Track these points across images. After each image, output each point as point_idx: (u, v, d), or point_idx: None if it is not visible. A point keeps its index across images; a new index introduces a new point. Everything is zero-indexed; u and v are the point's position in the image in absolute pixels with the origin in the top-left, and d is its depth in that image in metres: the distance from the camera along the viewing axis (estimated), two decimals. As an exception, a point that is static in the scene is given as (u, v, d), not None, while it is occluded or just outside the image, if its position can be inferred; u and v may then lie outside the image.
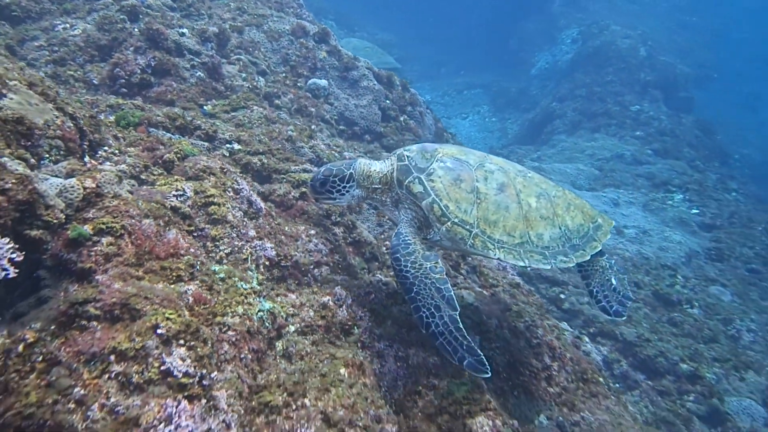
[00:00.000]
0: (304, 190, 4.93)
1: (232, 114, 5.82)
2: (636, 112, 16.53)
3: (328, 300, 3.76)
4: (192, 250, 3.41)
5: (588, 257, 3.76)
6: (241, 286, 3.39)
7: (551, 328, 4.78)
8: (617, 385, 6.48)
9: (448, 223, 3.48)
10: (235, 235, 3.78)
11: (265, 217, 4.22)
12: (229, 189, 4.02)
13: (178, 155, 4.09)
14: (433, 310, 3.25)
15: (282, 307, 3.53)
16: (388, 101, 7.89)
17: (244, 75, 6.55)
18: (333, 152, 6.14)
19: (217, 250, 3.62)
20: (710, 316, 8.15)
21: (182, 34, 6.13)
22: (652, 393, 6.55)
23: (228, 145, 4.95)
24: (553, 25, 22.62)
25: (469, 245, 3.46)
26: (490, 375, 3.07)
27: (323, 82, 7.25)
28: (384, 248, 5.43)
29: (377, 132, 7.59)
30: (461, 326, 3.17)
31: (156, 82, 5.63)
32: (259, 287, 3.57)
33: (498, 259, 3.45)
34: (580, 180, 12.71)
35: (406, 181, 3.60)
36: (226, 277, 3.38)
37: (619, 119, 16.22)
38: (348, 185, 3.85)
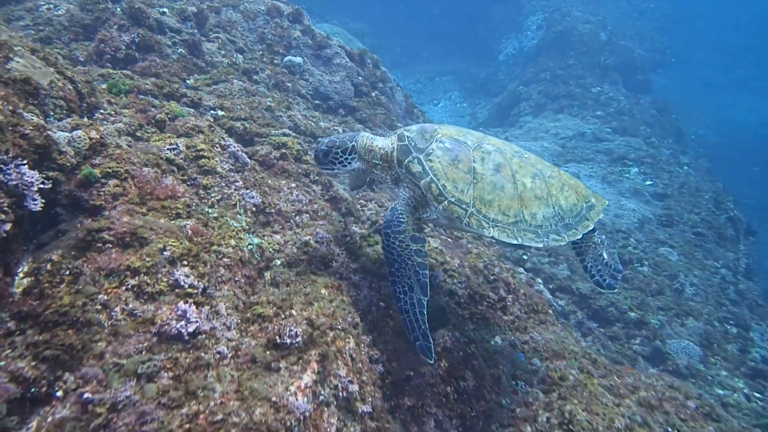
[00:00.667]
0: (284, 151, 5.40)
1: (214, 87, 6.23)
2: (597, 93, 17.36)
3: (310, 239, 4.26)
4: (187, 194, 3.88)
5: (580, 236, 3.88)
6: (233, 224, 3.87)
7: (508, 269, 5.38)
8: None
9: (445, 202, 3.59)
10: (224, 184, 4.25)
11: (250, 170, 4.69)
12: (217, 145, 4.47)
13: (169, 116, 4.52)
14: (406, 288, 3.51)
15: (269, 244, 4.02)
16: (360, 78, 8.37)
17: (223, 52, 6.95)
18: (309, 122, 6.61)
19: (209, 197, 4.09)
20: (658, 273, 8.93)
21: (163, 13, 6.50)
22: (604, 338, 7.25)
23: (212, 112, 5.38)
24: (519, 12, 23.33)
25: (464, 224, 3.57)
26: (432, 362, 3.34)
27: (298, 59, 7.69)
28: (359, 205, 5.95)
29: (350, 106, 8.07)
30: (425, 311, 3.44)
31: (140, 57, 5.99)
32: (247, 227, 4.06)
33: (492, 237, 3.57)
34: (544, 156, 13.37)
35: (406, 160, 3.70)
36: (219, 216, 3.86)
37: (581, 100, 17.02)
38: (350, 157, 3.94)
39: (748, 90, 35.35)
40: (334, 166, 3.98)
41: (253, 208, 4.33)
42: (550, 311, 5.11)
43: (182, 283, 3.12)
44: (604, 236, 4.48)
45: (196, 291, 3.15)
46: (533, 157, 4.14)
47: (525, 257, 8.46)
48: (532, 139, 15.11)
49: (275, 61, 7.58)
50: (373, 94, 8.53)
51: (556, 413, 3.42)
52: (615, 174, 12.83)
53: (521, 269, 6.46)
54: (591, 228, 3.95)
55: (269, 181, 4.77)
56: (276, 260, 3.97)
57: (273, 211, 4.47)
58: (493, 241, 3.84)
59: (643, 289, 8.37)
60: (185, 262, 3.25)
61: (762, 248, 15.68)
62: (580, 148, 14.19)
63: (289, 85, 7.36)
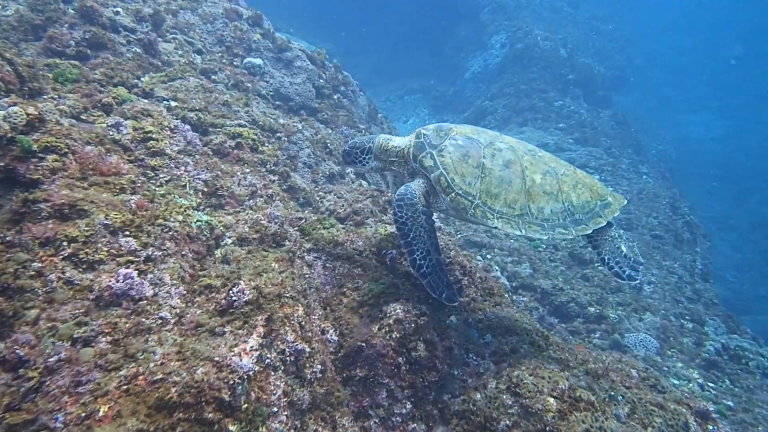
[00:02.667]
0: (240, 141, 5.38)
1: (169, 83, 6.18)
2: (559, 106, 17.86)
3: (262, 218, 4.22)
4: (133, 173, 3.81)
5: (590, 231, 4.01)
6: (181, 201, 3.81)
7: (464, 255, 5.40)
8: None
9: (453, 194, 3.85)
10: (173, 165, 4.20)
11: (202, 154, 4.65)
12: (167, 128, 4.42)
13: (116, 100, 4.47)
14: (424, 253, 3.81)
15: (219, 222, 3.96)
16: (321, 80, 8.44)
17: (180, 52, 6.93)
18: (268, 118, 6.61)
19: (158, 177, 4.03)
20: (617, 270, 9.09)
21: (116, 13, 6.46)
22: (565, 333, 7.32)
23: (165, 102, 5.33)
24: (483, 32, 23.96)
25: (470, 214, 3.83)
26: (458, 302, 3.85)
27: (258, 61, 7.72)
28: (317, 196, 5.93)
29: (312, 108, 8.10)
30: (444, 268, 3.85)
31: (92, 54, 5.92)
32: (196, 206, 4.00)
33: (496, 227, 3.81)
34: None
35: (420, 155, 4.00)
36: (166, 194, 3.81)
37: (545, 113, 17.47)
38: (367, 156, 4.33)
39: (706, 109, 36.88)
40: (356, 165, 4.40)
41: (205, 189, 4.28)
42: (506, 295, 5.14)
43: (123, 251, 3.05)
44: (622, 231, 4.54)
45: (138, 259, 3.08)
46: (548, 156, 4.30)
47: (489, 256, 8.54)
48: (496, 151, 15.38)
49: (235, 63, 7.60)
50: (335, 97, 8.59)
51: (504, 380, 3.42)
52: (576, 181, 13.10)
53: (479, 257, 6.50)
54: (602, 224, 4.06)
55: (223, 167, 4.73)
56: (227, 238, 3.91)
57: (225, 193, 4.43)
58: (498, 231, 4.01)
59: (602, 286, 8.51)
60: (127, 233, 3.18)
61: (719, 259, 16.20)
62: (542, 157, 14.48)
63: (249, 85, 7.36)
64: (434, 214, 4.25)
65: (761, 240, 22.51)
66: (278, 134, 6.40)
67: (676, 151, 25.96)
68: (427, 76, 27.01)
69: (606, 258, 4.21)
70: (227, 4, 8.07)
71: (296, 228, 4.41)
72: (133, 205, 3.43)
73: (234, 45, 7.74)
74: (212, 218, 3.91)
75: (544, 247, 9.26)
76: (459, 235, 8.95)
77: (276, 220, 4.23)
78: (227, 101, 6.16)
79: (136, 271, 2.97)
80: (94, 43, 6.05)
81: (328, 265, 4.18)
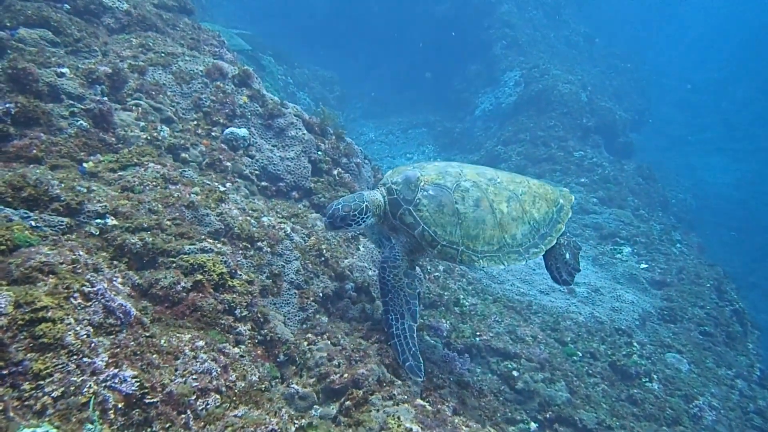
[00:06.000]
0: (200, 277, 3.85)
1: (120, 173, 4.68)
2: (579, 157, 16.40)
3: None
4: (-8, 405, 2.28)
5: (555, 241, 4.44)
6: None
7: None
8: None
9: (438, 247, 4.11)
10: (73, 366, 2.64)
11: (131, 328, 3.10)
12: (76, 294, 2.89)
13: (4, 246, 2.95)
14: (398, 316, 4.05)
15: (132, 484, 2.42)
16: (319, 152, 6.96)
17: (142, 123, 5.45)
18: (248, 218, 5.11)
19: (39, 395, 2.48)
20: (671, 392, 7.51)
21: (61, 75, 5.00)
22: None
23: (99, 221, 3.82)
24: (495, 67, 22.64)
25: (458, 261, 4.10)
26: (422, 379, 4.03)
27: (243, 131, 6.25)
28: (306, 342, 4.41)
29: (306, 188, 6.62)
30: (415, 336, 4.03)
31: (17, 133, 4.43)
32: (96, 453, 2.46)
33: (482, 268, 3.81)
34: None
35: (398, 213, 4.23)
36: (38, 448, 2.26)
37: (564, 165, 16.01)
38: (366, 216, 4.34)
39: (719, 152, 35.59)
40: (350, 227, 4.36)
41: (122, 403, 2.72)
42: None
43: None
44: (573, 238, 5.00)
45: None
46: (505, 177, 4.56)
47: (515, 373, 6.98)
48: (512, 207, 13.91)
49: (213, 133, 6.12)
50: (335, 172, 7.11)
51: None
52: (607, 255, 11.59)
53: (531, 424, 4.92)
54: (563, 230, 4.53)
55: (162, 342, 3.19)
56: None
57: (157, 399, 2.87)
58: (485, 269, 4.06)
59: (657, 416, 6.90)
60: None
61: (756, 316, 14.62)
62: (566, 220, 13.03)
63: (229, 164, 5.88)
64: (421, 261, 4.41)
65: (788, 300, 20.95)
66: (259, 244, 4.88)
67: (696, 199, 24.46)
68: (434, 109, 25.71)
69: (549, 263, 4.70)
70: (209, 60, 6.62)
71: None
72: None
73: (214, 110, 6.27)
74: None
75: (580, 355, 7.70)
76: (478, 339, 7.44)
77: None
78: (193, 202, 4.65)
79: None
80: (21, 119, 4.57)
81: None
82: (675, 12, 54.31)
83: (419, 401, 3.96)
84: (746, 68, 47.33)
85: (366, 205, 4.30)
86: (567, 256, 4.65)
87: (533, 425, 6.32)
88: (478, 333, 7.49)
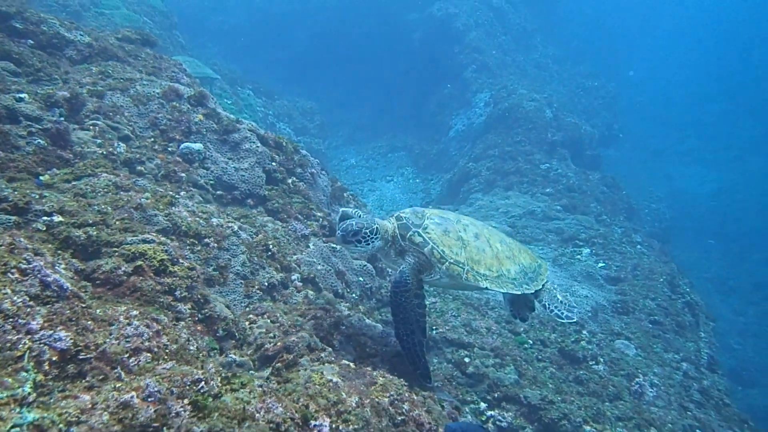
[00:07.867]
0: (140, 263, 4.32)
1: (74, 183, 5.18)
2: (546, 169, 17.06)
3: (132, 396, 3.10)
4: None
5: (540, 286, 5.00)
6: (-2, 394, 2.70)
7: (421, 402, 4.27)
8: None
9: (447, 263, 4.45)
10: (9, 327, 3.09)
11: (68, 300, 3.56)
12: (13, 269, 3.35)
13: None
14: (409, 332, 4.37)
15: (60, 415, 2.83)
16: (273, 163, 7.50)
17: (99, 141, 5.98)
18: (197, 219, 5.60)
19: (-21, 349, 2.93)
20: (615, 372, 7.93)
21: (19, 99, 5.54)
22: (557, 464, 6.10)
23: (46, 218, 4.29)
24: (467, 89, 23.54)
25: (464, 279, 4.46)
26: (431, 384, 4.53)
27: (197, 146, 6.79)
28: (246, 322, 4.86)
29: (261, 195, 7.13)
30: (424, 350, 4.45)
31: (-26, 152, 4.95)
32: (30, 392, 2.88)
33: (486, 288, 4.52)
34: (493, 237, 12.70)
35: (408, 234, 4.58)
36: (-24, 384, 2.69)
37: (531, 177, 16.65)
38: (375, 237, 4.57)
39: (697, 162, 36.51)
40: (359, 244, 4.55)
41: (56, 357, 3.16)
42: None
43: None
44: (557, 284, 5.60)
45: None
46: (494, 229, 5.26)
47: (467, 359, 7.39)
48: (482, 218, 14.43)
49: (170, 149, 6.66)
50: (290, 181, 7.64)
51: None
52: (566, 256, 12.11)
53: (445, 395, 5.32)
54: (546, 280, 5.14)
55: (98, 312, 3.63)
56: (69, 439, 2.78)
57: (91, 355, 3.31)
58: (486, 290, 4.65)
59: (599, 393, 7.31)
60: None
61: (721, 324, 15.05)
62: (530, 227, 13.54)
63: (183, 175, 6.40)
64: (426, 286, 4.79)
65: (764, 302, 21.41)
66: (206, 240, 5.37)
67: (670, 210, 25.13)
68: (412, 133, 26.51)
69: (547, 304, 5.18)
70: (166, 83, 7.21)
71: (189, 400, 3.29)
72: None
73: (170, 128, 6.82)
74: (47, 413, 2.79)
75: (531, 343, 8.11)
76: (434, 331, 7.85)
77: (153, 397, 3.11)
78: (142, 204, 5.15)
79: None
80: (-19, 139, 5.10)
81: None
82: (652, 30, 56.29)
83: (345, 362, 4.40)
84: (725, 83, 48.78)
85: (376, 227, 4.56)
86: (559, 296, 5.23)
87: (483, 405, 6.72)
88: (434, 326, 7.92)
